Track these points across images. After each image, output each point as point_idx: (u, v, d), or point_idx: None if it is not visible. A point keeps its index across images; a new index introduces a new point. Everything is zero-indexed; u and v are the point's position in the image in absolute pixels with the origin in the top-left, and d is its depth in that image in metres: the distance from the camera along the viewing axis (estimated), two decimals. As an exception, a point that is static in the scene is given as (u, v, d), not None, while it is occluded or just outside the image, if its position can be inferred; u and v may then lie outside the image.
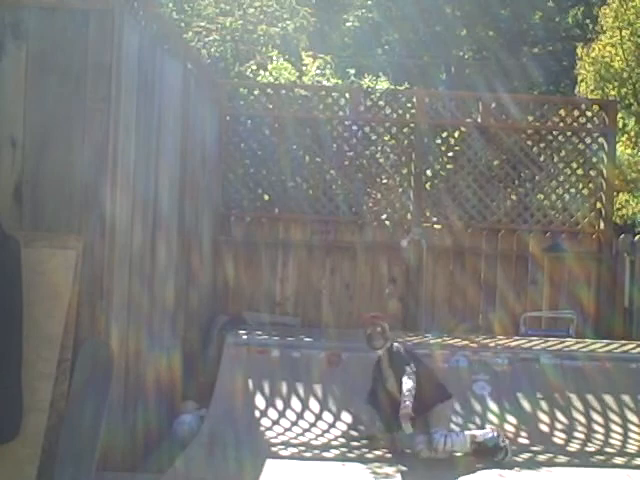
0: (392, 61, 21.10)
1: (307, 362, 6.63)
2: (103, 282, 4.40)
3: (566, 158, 8.19)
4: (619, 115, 15.03)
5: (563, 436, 6.16)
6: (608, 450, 6.00)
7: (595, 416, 6.35)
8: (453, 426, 6.17)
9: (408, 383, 5.59)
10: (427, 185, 8.19)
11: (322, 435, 6.12)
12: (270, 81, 9.12)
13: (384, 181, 8.19)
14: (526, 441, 6.09)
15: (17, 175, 4.36)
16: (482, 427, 6.17)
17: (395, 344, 5.96)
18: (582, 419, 6.32)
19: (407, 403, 5.48)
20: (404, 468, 5.46)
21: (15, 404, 4.00)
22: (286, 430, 6.14)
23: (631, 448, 6.03)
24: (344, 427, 6.19)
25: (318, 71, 10.00)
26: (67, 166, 4.36)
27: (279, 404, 6.37)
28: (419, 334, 7.43)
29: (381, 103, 8.18)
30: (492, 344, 7.07)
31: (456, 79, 21.70)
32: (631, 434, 6.19)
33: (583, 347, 7.11)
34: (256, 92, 8.19)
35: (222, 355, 6.73)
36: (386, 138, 8.19)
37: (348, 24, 22.07)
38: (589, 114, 8.18)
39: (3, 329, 3.97)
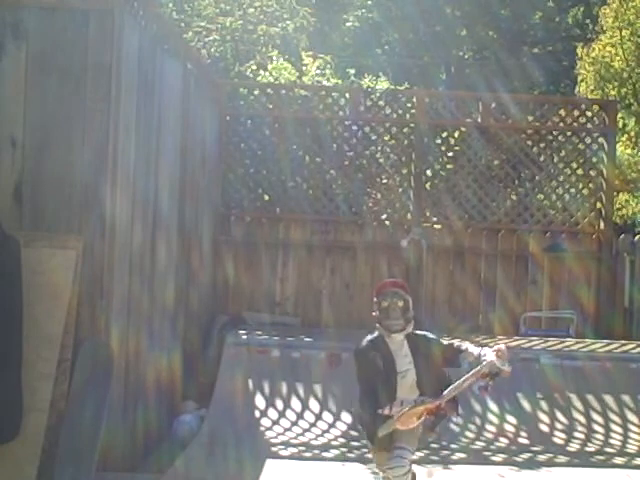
0: (392, 61, 21.11)
1: (307, 362, 6.63)
2: (103, 282, 4.40)
3: (566, 158, 8.19)
4: (619, 115, 15.02)
5: (563, 436, 6.16)
6: (608, 450, 6.00)
7: (595, 416, 6.35)
8: (453, 426, 6.17)
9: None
10: (427, 185, 8.19)
11: (322, 435, 6.12)
12: (270, 81, 9.11)
13: (384, 181, 8.19)
14: (526, 441, 6.09)
15: (17, 175, 4.36)
16: (482, 427, 6.18)
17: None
18: (582, 419, 6.32)
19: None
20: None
21: (15, 404, 4.00)
22: (286, 430, 6.14)
23: (631, 448, 6.03)
24: (344, 427, 6.18)
25: (318, 71, 10.00)
26: (67, 166, 4.36)
27: (279, 404, 6.37)
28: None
29: (381, 103, 8.18)
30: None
31: (456, 79, 21.70)
32: (631, 434, 6.19)
33: (583, 347, 7.11)
34: (256, 92, 8.20)
35: (222, 355, 6.73)
36: (386, 138, 8.19)
37: (348, 24, 22.06)
38: (589, 114, 8.18)
39: (3, 329, 3.97)
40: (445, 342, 4.38)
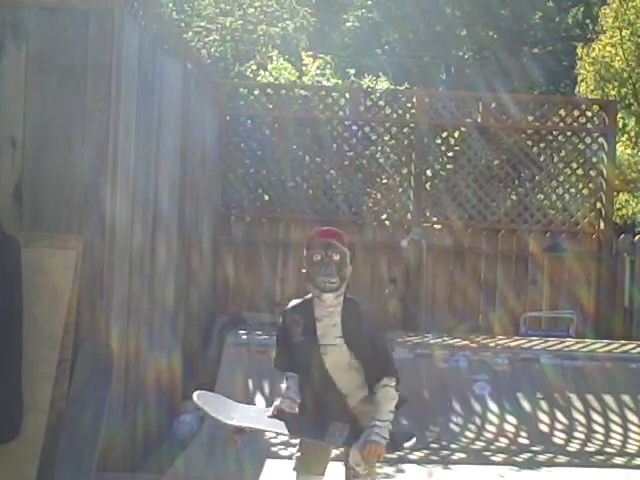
0: (392, 61, 21.11)
1: (307, 362, 6.62)
2: (103, 282, 4.40)
3: (566, 158, 8.19)
4: (619, 115, 15.01)
5: (563, 436, 6.16)
6: (608, 450, 6.00)
7: (595, 416, 6.35)
8: (453, 426, 6.17)
9: (392, 396, 3.42)
10: (427, 185, 8.19)
11: (322, 435, 6.11)
12: (270, 81, 9.12)
13: (384, 181, 8.19)
14: (526, 441, 6.08)
15: (17, 175, 4.35)
16: (482, 427, 6.18)
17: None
18: (582, 419, 6.32)
19: (381, 431, 3.34)
20: (404, 468, 5.46)
21: (15, 404, 4.00)
22: (286, 430, 6.13)
23: (631, 448, 6.03)
24: (344, 427, 6.17)
25: (318, 71, 10.01)
26: (67, 166, 4.36)
27: (279, 404, 6.35)
28: (419, 334, 7.43)
29: (381, 103, 8.18)
30: (492, 344, 7.07)
31: (456, 79, 21.70)
32: (631, 434, 6.19)
33: (583, 347, 7.11)
34: (256, 92, 8.20)
35: (222, 355, 6.73)
36: (386, 138, 8.19)
37: (348, 24, 22.07)
38: (589, 114, 8.19)
39: (3, 329, 3.97)
40: (380, 348, 3.47)
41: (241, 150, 8.11)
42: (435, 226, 8.16)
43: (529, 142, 8.21)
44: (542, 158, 8.20)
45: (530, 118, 8.23)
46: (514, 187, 8.25)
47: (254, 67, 9.48)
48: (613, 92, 17.22)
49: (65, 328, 4.21)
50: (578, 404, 6.41)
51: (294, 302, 3.66)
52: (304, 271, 3.57)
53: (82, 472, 4.03)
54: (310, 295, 3.58)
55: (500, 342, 7.18)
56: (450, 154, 8.25)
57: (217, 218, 7.83)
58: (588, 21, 21.88)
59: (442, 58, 23.10)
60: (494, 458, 5.80)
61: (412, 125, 8.12)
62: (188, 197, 6.42)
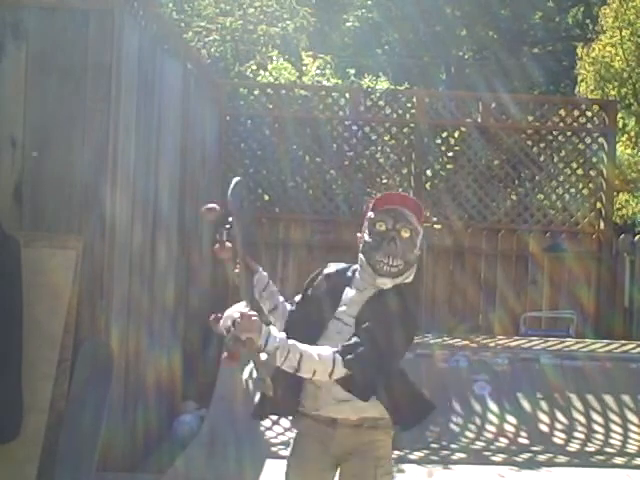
0: (392, 61, 21.11)
1: (307, 362, 6.61)
2: (103, 282, 4.40)
3: (566, 158, 8.19)
4: (619, 115, 15.01)
5: (563, 436, 6.16)
6: (608, 450, 6.00)
7: (595, 416, 6.34)
8: (453, 426, 6.17)
9: (325, 362, 2.64)
10: (427, 185, 8.19)
11: (322, 435, 6.10)
12: (270, 81, 9.11)
13: (384, 181, 8.19)
14: (526, 441, 6.08)
15: (17, 175, 4.35)
16: (482, 427, 6.18)
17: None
18: (582, 419, 6.31)
19: (272, 339, 2.65)
20: (404, 468, 5.46)
21: (15, 404, 4.00)
22: (286, 430, 6.13)
23: (631, 448, 6.03)
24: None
25: (318, 71, 10.00)
26: (67, 166, 4.36)
27: (279, 404, 6.35)
28: (419, 334, 7.42)
29: (381, 103, 8.19)
30: (492, 344, 7.06)
31: (456, 79, 21.70)
32: (631, 434, 6.18)
33: (583, 347, 7.11)
34: (256, 92, 8.20)
35: (222, 355, 6.72)
36: (386, 138, 8.20)
37: (348, 24, 22.07)
38: (589, 114, 8.19)
39: (3, 329, 3.97)
40: (376, 329, 2.58)
41: (241, 150, 8.11)
42: (435, 226, 8.16)
43: (529, 142, 8.21)
44: (542, 158, 8.20)
45: (530, 118, 8.23)
46: (514, 187, 8.26)
47: (254, 67, 9.48)
48: (613, 92, 17.22)
49: (65, 328, 4.21)
50: (578, 404, 6.40)
51: (334, 266, 2.92)
52: (359, 236, 2.77)
53: (82, 472, 4.03)
54: (356, 266, 2.81)
55: (500, 342, 7.17)
56: (450, 154, 8.25)
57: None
58: (588, 21, 21.88)
59: (442, 58, 23.10)
60: (494, 458, 5.80)
61: (412, 125, 8.12)
62: (188, 197, 6.42)
